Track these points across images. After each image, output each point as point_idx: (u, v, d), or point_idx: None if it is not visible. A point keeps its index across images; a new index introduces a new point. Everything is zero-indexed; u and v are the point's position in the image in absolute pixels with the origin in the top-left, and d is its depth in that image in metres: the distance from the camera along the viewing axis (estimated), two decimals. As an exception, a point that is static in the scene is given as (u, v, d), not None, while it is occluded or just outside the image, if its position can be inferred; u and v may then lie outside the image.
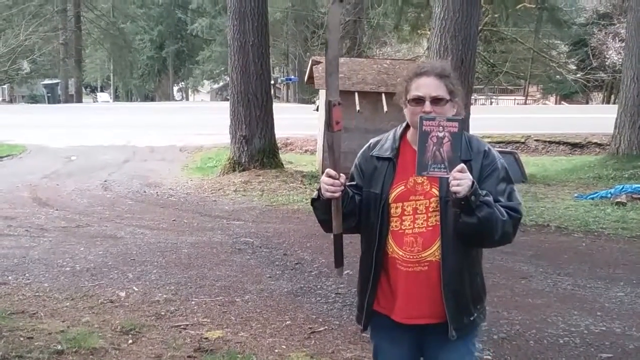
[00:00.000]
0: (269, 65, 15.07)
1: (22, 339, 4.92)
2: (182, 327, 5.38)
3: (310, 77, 14.79)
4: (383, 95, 13.35)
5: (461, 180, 2.40)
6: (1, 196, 11.55)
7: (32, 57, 43.78)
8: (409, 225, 2.65)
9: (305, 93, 41.41)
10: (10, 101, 41.60)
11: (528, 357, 4.99)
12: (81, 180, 13.52)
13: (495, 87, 45.80)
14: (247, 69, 13.75)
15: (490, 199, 2.51)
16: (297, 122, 20.84)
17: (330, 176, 2.57)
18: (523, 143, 20.21)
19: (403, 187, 2.68)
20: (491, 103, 48.78)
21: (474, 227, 2.48)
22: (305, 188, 12.42)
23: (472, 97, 16.99)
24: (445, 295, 2.61)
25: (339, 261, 2.83)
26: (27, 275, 6.90)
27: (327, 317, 5.76)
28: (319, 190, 2.66)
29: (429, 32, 18.33)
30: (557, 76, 38.23)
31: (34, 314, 5.65)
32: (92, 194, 12.07)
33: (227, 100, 15.99)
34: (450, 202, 2.54)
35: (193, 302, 6.03)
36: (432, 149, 2.45)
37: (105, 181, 13.42)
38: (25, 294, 6.26)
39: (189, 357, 4.76)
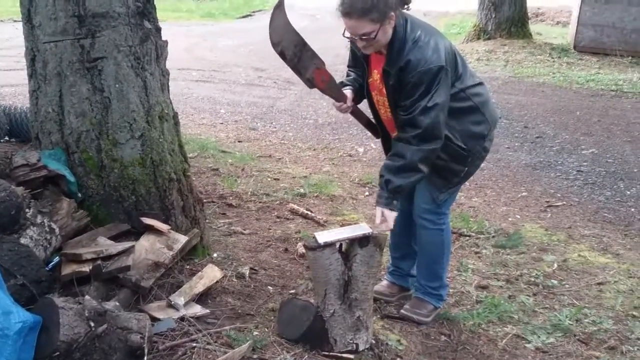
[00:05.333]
0: None
1: (269, 179, 5.29)
2: (416, 186, 5.44)
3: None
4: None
5: (382, 225, 2.94)
6: (253, 49, 12.21)
7: None
8: (383, 112, 3.15)
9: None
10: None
11: None
12: (325, 38, 13.77)
13: None
14: None
15: (398, 180, 3.01)
16: (551, -9, 19.38)
17: (337, 105, 3.13)
18: None
19: (371, 79, 3.10)
20: None
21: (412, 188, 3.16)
22: (554, 61, 11.70)
23: None
24: None
25: (375, 133, 3.41)
26: (273, 123, 7.32)
27: (566, 193, 5.53)
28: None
29: None
30: None
31: (280, 159, 6.02)
32: (335, 52, 12.31)
33: (478, -37, 15.19)
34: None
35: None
36: None
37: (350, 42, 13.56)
38: (271, 141, 6.68)
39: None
